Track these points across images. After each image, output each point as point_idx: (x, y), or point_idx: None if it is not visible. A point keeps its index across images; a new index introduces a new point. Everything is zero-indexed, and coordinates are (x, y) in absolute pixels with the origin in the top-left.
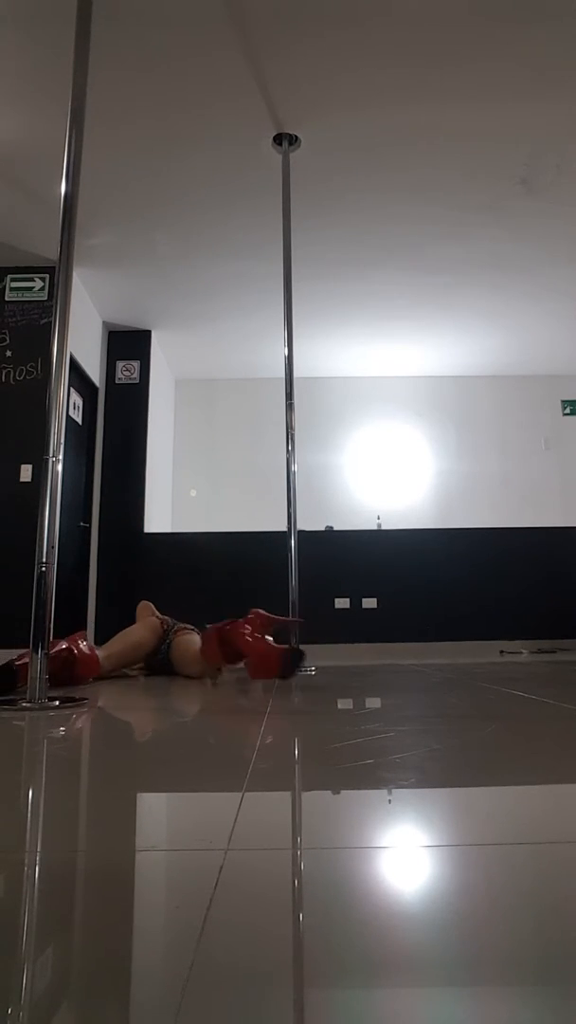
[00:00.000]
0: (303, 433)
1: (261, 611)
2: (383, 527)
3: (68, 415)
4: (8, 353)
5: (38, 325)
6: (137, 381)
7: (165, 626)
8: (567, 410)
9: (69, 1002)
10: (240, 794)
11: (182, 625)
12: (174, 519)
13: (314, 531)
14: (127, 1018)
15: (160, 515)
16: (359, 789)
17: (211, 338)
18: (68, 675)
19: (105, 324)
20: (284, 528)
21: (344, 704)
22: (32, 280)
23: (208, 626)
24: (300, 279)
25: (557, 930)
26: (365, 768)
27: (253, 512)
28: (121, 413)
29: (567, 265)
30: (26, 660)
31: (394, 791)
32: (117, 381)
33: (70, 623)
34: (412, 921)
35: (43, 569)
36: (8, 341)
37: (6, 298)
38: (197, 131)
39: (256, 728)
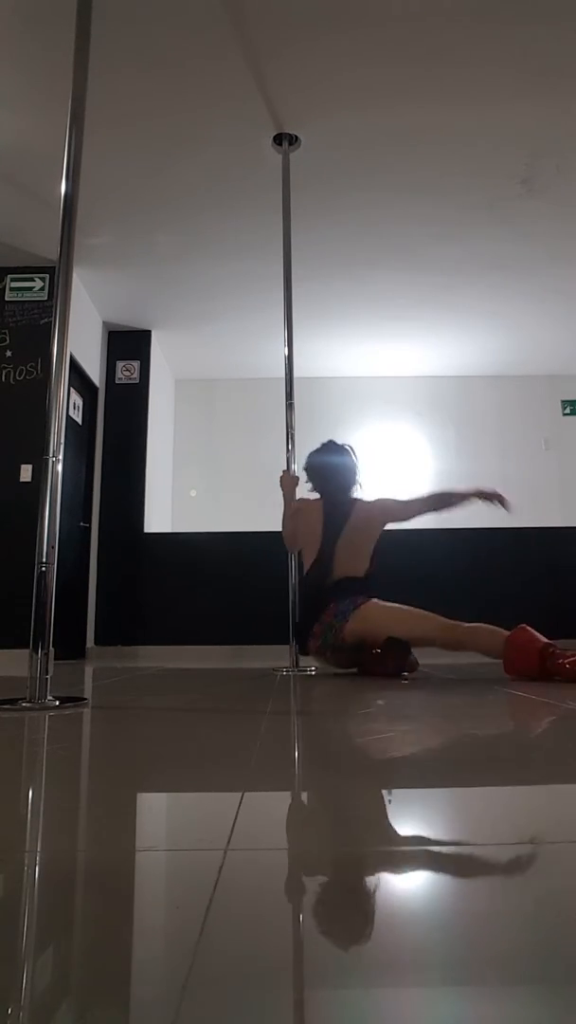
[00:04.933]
0: (303, 433)
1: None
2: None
3: (68, 415)
4: (8, 353)
5: (38, 325)
6: (137, 381)
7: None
8: (567, 410)
9: (69, 1002)
10: (240, 794)
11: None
12: (174, 519)
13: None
14: (127, 1018)
15: (160, 515)
16: (359, 789)
17: (211, 338)
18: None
19: (105, 324)
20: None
21: (344, 704)
22: (32, 280)
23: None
24: (300, 279)
25: (557, 930)
26: (365, 768)
27: (253, 512)
28: (121, 413)
29: (567, 265)
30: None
31: (394, 791)
32: (117, 381)
33: (70, 623)
34: (412, 921)
35: (43, 569)
36: (8, 341)
37: (6, 298)
38: (197, 131)
39: (256, 728)
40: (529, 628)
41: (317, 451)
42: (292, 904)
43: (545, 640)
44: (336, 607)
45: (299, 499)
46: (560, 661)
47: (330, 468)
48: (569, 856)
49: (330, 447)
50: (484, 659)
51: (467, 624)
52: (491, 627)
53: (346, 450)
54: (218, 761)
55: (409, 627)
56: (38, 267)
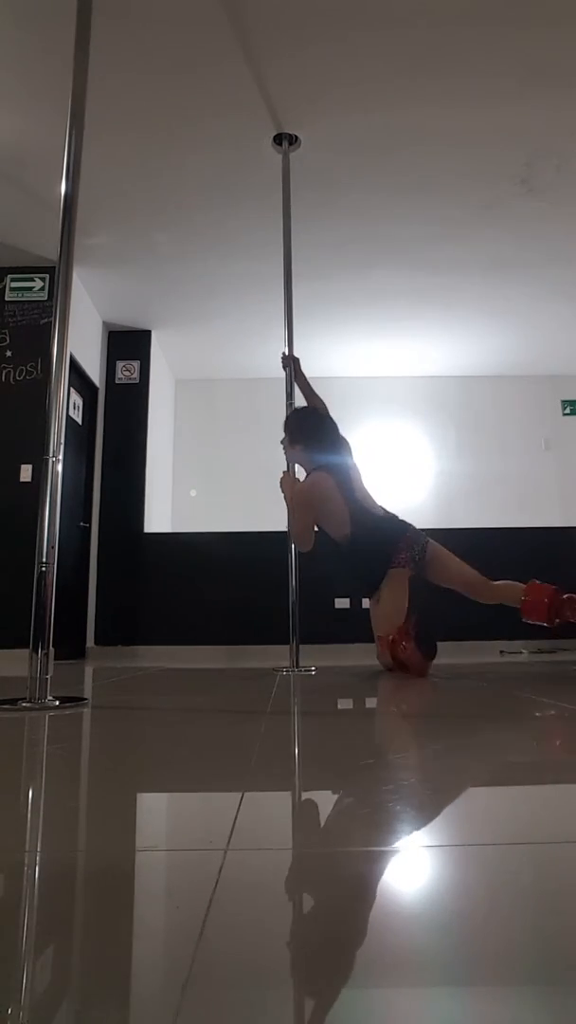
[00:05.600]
0: None
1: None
2: None
3: (68, 415)
4: (8, 353)
5: (38, 325)
6: (137, 381)
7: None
8: (567, 410)
9: (69, 1002)
10: (240, 794)
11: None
12: (174, 519)
13: (314, 531)
14: (127, 1018)
15: (160, 515)
16: (359, 789)
17: (211, 338)
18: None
19: (105, 324)
20: (284, 528)
21: (344, 704)
22: (32, 280)
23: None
24: (300, 279)
25: (557, 930)
26: (365, 768)
27: (253, 512)
28: (121, 413)
29: (567, 265)
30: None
31: (394, 791)
32: (117, 381)
33: (70, 623)
34: (412, 921)
35: (43, 569)
36: (8, 341)
37: (6, 298)
38: (197, 131)
39: (256, 728)
40: (537, 582)
41: (292, 417)
42: (292, 904)
43: (554, 587)
44: (414, 530)
45: (296, 484)
46: (567, 596)
47: (312, 423)
48: (569, 856)
49: (295, 412)
50: (482, 659)
51: (496, 582)
52: (512, 583)
53: (308, 410)
54: (218, 761)
55: (466, 574)
56: (38, 267)
